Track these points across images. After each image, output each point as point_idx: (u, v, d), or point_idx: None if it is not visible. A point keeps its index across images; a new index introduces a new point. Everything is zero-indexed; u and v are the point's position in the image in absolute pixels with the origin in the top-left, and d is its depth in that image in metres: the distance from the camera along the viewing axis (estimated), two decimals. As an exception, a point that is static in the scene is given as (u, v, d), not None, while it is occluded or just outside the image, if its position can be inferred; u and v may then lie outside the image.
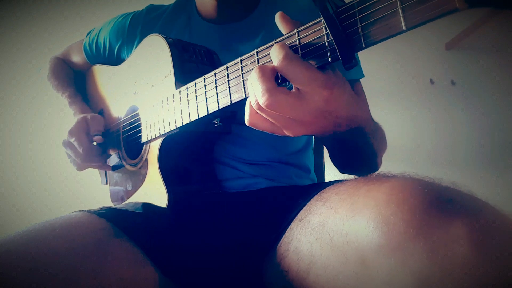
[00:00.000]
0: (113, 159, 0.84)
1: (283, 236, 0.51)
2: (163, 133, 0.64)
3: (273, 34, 0.45)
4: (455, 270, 0.30)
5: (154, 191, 0.66)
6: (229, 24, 0.76)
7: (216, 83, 0.52)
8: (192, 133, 0.64)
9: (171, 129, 0.62)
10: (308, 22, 0.41)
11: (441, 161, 1.73)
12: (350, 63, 0.38)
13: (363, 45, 0.36)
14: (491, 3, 0.28)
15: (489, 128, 1.73)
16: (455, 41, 1.78)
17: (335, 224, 0.42)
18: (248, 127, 0.46)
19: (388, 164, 0.64)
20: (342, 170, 0.66)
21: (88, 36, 0.94)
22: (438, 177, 0.40)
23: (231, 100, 0.49)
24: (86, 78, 0.99)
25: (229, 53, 0.67)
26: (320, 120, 0.43)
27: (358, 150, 0.57)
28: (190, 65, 0.64)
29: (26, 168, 1.73)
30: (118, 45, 0.86)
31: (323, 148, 0.96)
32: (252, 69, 0.42)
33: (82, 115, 0.81)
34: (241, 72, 0.47)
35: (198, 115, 0.56)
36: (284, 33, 0.43)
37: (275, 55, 0.40)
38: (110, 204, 0.85)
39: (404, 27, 0.33)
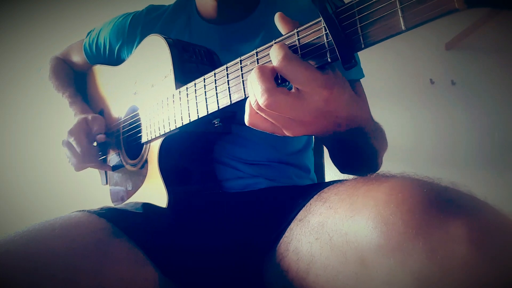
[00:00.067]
0: (113, 159, 0.84)
1: (283, 236, 0.51)
2: (163, 133, 0.64)
3: (273, 34, 0.45)
4: (455, 270, 0.30)
5: (154, 191, 0.66)
6: (229, 24, 0.76)
7: (215, 83, 0.52)
8: (192, 133, 0.64)
9: (171, 129, 0.62)
10: (308, 22, 0.41)
11: (441, 161, 1.73)
12: (349, 63, 0.38)
13: (363, 45, 0.36)
14: (490, 3, 0.28)
15: (489, 128, 1.73)
16: (455, 41, 1.78)
17: (335, 224, 0.42)
18: (248, 127, 0.46)
19: (388, 164, 0.64)
20: (342, 170, 0.66)
21: (88, 36, 0.94)
22: (438, 177, 0.40)
23: (230, 100, 0.49)
24: (87, 78, 0.99)
25: (229, 53, 0.67)
26: (320, 120, 0.43)
27: (358, 150, 0.57)
28: (190, 65, 0.64)
29: (26, 168, 1.73)
30: (118, 45, 0.86)
31: (323, 148, 0.96)
32: (252, 69, 0.42)
33: (82, 116, 0.81)
34: (240, 72, 0.47)
35: (198, 115, 0.56)
36: (283, 33, 0.43)
37: (274, 55, 0.40)
38: (110, 204, 0.85)
39: (403, 27, 0.33)
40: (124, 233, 0.53)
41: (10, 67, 1.75)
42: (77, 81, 0.98)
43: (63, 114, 0.90)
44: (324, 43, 0.39)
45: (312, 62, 0.41)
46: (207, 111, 0.54)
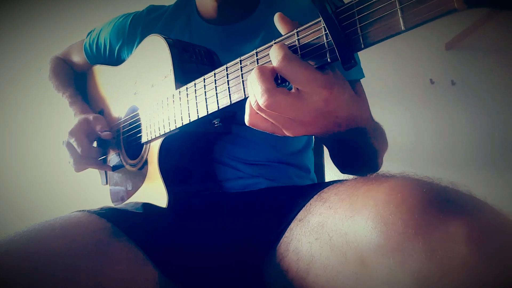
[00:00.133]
0: (113, 159, 0.84)
1: (283, 236, 0.51)
2: (163, 133, 0.64)
3: (273, 34, 0.45)
4: (454, 270, 0.30)
5: (154, 191, 0.66)
6: (229, 24, 0.76)
7: (215, 84, 0.52)
8: (192, 133, 0.64)
9: (171, 129, 0.62)
10: (308, 22, 0.41)
11: (441, 161, 1.73)
12: (349, 64, 0.38)
13: (362, 46, 0.36)
14: (489, 4, 0.28)
15: (489, 128, 1.73)
16: (455, 41, 1.78)
17: (335, 224, 0.42)
18: (248, 127, 0.46)
19: (388, 164, 0.64)
20: (342, 170, 0.66)
21: (89, 37, 0.94)
22: (437, 177, 0.40)
23: (230, 101, 0.49)
24: (87, 78, 0.99)
25: (229, 54, 0.67)
26: (320, 120, 0.43)
27: (359, 150, 0.57)
28: (190, 65, 0.64)
29: (26, 168, 1.73)
30: (118, 45, 0.86)
31: (323, 148, 0.96)
32: (252, 69, 0.42)
33: (83, 116, 0.81)
34: (240, 73, 0.47)
35: (198, 115, 0.56)
36: (283, 33, 0.43)
37: (274, 55, 0.40)
38: (110, 204, 0.85)
39: (403, 28, 0.33)
40: (124, 233, 0.53)
41: (10, 67, 1.75)
42: (77, 81, 0.98)
43: (63, 114, 0.90)
44: (324, 43, 0.39)
45: (312, 62, 0.41)
46: (207, 111, 0.54)
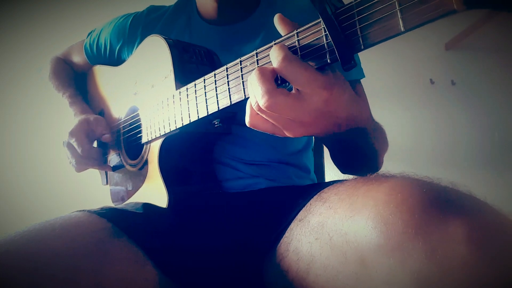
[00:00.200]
0: (114, 160, 0.84)
1: (283, 236, 0.51)
2: (163, 133, 0.64)
3: (274, 34, 0.45)
4: (454, 270, 0.30)
5: (154, 191, 0.66)
6: (229, 25, 0.76)
7: (216, 84, 0.52)
8: (192, 134, 0.64)
9: (171, 130, 0.62)
10: (308, 23, 0.41)
11: (441, 161, 1.73)
12: (349, 64, 0.38)
13: (362, 47, 0.36)
14: (489, 5, 0.28)
15: (489, 128, 1.73)
16: (455, 41, 1.78)
17: (335, 224, 0.42)
18: (248, 127, 0.46)
19: (388, 164, 0.64)
20: (343, 170, 0.66)
21: (89, 37, 0.94)
22: (437, 177, 0.40)
23: (230, 101, 0.49)
24: (87, 78, 0.99)
25: (229, 54, 0.67)
26: (320, 121, 0.43)
27: (359, 150, 0.57)
28: (190, 66, 0.64)
29: (26, 168, 1.73)
30: (118, 46, 0.86)
31: (323, 148, 0.96)
32: (252, 70, 0.42)
33: (83, 116, 0.81)
34: (240, 73, 0.48)
35: (198, 115, 0.56)
36: (283, 34, 0.43)
37: (274, 56, 0.40)
38: (110, 204, 0.85)
39: (402, 29, 0.33)
40: (124, 233, 0.53)
41: (10, 67, 1.75)
42: (77, 81, 0.98)
43: (63, 114, 0.90)
44: (324, 44, 0.39)
45: (312, 63, 0.41)
46: (207, 112, 0.54)
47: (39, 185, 1.70)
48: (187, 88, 0.58)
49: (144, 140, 0.70)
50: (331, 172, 0.84)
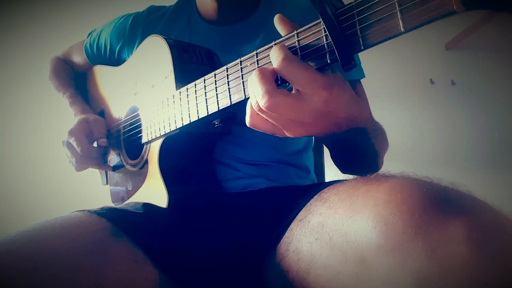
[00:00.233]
0: (114, 160, 0.84)
1: (283, 236, 0.51)
2: (163, 133, 0.64)
3: (274, 35, 0.45)
4: (454, 270, 0.30)
5: (154, 191, 0.67)
6: (229, 25, 0.76)
7: (216, 84, 0.52)
8: (192, 134, 0.64)
9: (171, 130, 0.62)
10: (308, 23, 0.41)
11: (441, 161, 1.73)
12: (349, 65, 0.38)
13: (362, 47, 0.36)
14: (488, 5, 0.28)
15: (489, 128, 1.73)
16: (455, 41, 1.78)
17: (335, 224, 0.42)
18: (248, 127, 0.46)
19: (388, 164, 0.64)
20: (343, 170, 0.66)
21: (89, 37, 0.94)
22: (437, 177, 0.40)
23: (230, 101, 0.49)
24: (87, 78, 0.99)
25: (230, 54, 0.67)
26: (320, 121, 0.43)
27: (359, 150, 0.57)
28: (190, 66, 0.64)
29: (26, 168, 1.73)
30: (119, 46, 0.86)
31: (323, 148, 0.96)
32: (252, 70, 0.42)
33: (83, 116, 0.81)
34: (240, 73, 0.48)
35: (198, 115, 0.56)
36: (283, 35, 0.43)
37: (274, 56, 0.40)
38: (110, 204, 0.85)
39: (402, 29, 0.33)
40: (124, 233, 0.53)
41: (10, 67, 1.75)
42: (78, 81, 0.98)
43: (63, 114, 0.90)
44: (324, 44, 0.39)
45: (312, 63, 0.41)
46: (207, 112, 0.54)
47: (39, 185, 1.70)
48: (187, 88, 0.58)
49: (144, 140, 0.70)
50: (331, 172, 0.84)
